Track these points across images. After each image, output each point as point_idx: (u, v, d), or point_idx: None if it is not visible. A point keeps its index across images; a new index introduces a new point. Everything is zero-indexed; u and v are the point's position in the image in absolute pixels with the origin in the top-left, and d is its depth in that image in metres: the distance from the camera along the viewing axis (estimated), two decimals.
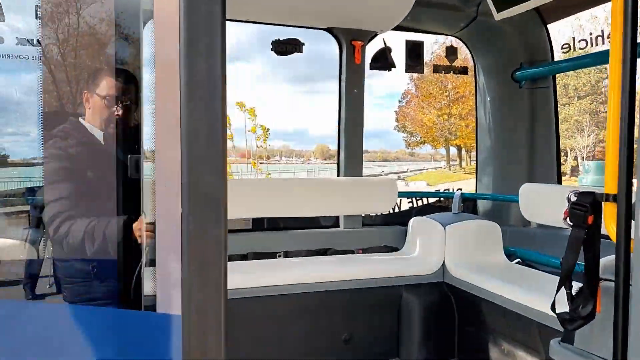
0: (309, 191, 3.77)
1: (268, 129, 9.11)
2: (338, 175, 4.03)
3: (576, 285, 2.00)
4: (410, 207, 4.34)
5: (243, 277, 3.09)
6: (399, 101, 38.56)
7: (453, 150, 39.53)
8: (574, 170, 28.18)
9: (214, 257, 1.02)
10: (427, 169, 40.78)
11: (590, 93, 30.50)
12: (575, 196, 1.90)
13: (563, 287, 1.95)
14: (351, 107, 3.92)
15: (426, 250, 3.61)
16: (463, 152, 38.51)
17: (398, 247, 3.91)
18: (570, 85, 30.07)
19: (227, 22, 1.06)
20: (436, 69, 4.26)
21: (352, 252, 3.84)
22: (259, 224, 3.82)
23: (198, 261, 1.01)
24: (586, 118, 29.84)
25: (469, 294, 3.21)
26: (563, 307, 2.03)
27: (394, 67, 3.98)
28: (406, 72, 4.05)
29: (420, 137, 37.79)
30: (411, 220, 3.84)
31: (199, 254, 1.01)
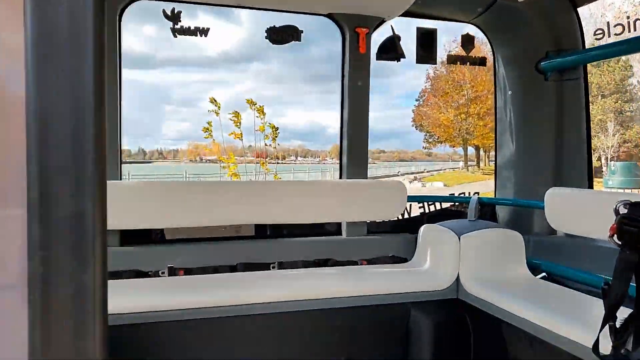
0: (307, 195, 3.39)
1: (277, 128, 8.71)
2: (340, 177, 3.65)
3: (621, 314, 1.59)
4: (421, 213, 3.93)
5: (231, 291, 2.75)
6: (417, 100, 38.10)
7: (471, 150, 38.94)
8: (597, 171, 27.32)
9: (81, 320, 0.65)
10: (445, 169, 40.23)
11: (614, 91, 29.58)
12: (625, 208, 1.48)
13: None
14: (355, 101, 3.53)
15: (438, 262, 3.22)
16: (481, 152, 37.91)
17: (407, 258, 3.52)
18: (593, 83, 29.20)
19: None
20: (451, 59, 3.85)
21: (356, 263, 3.46)
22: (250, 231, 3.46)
23: (52, 327, 0.64)
24: (610, 117, 28.93)
25: (486, 313, 2.82)
26: (607, 344, 1.63)
27: (404, 57, 3.59)
28: (417, 62, 3.66)
29: (438, 137, 37.28)
30: (422, 228, 3.45)
31: (54, 315, 0.64)
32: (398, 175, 33.54)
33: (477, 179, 31.24)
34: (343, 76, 3.54)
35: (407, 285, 3.02)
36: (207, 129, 7.63)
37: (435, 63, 3.74)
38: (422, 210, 3.95)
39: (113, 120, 3.09)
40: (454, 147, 38.51)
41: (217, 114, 7.55)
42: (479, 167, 37.54)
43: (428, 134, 37.87)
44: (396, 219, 3.68)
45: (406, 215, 3.82)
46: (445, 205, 4.04)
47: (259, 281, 2.93)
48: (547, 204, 3.12)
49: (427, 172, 37.99)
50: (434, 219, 3.71)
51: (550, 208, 3.11)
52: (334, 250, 3.45)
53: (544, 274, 3.21)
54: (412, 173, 35.90)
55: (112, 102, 3.08)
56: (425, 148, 40.99)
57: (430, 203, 3.95)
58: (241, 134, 9.26)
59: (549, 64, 3.54)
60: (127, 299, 2.58)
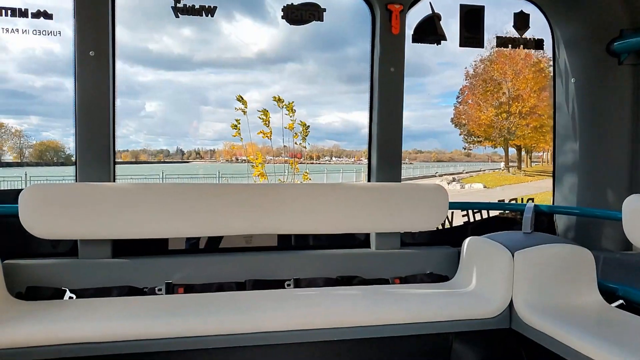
0: (330, 200, 2.90)
1: (308, 126, 8.22)
2: (369, 180, 3.15)
3: None
4: (465, 222, 3.40)
5: (237, 316, 2.32)
6: (457, 96, 37.25)
7: (512, 151, 37.79)
8: None
9: None
10: (484, 170, 39.16)
11: None
12: None
13: None
14: (386, 90, 3.04)
15: (486, 283, 2.69)
16: (523, 152, 36.71)
17: (448, 276, 3.01)
18: None
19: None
20: (501, 42, 3.30)
21: (387, 282, 2.97)
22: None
23: None
24: None
25: (547, 350, 2.32)
26: None
27: (444, 39, 3.10)
28: (461, 46, 3.15)
29: (477, 137, 36.36)
30: (466, 241, 2.92)
31: None
32: (435, 176, 32.80)
33: (519, 180, 30.26)
34: (372, 62, 3.06)
35: (449, 310, 2.52)
36: (235, 126, 7.33)
37: (482, 46, 3.21)
38: (466, 218, 3.41)
39: (104, 117, 2.71)
40: (495, 147, 37.41)
41: (245, 112, 7.23)
42: (519, 168, 36.41)
43: (467, 134, 36.95)
44: (435, 229, 3.15)
45: (447, 225, 3.30)
46: (493, 213, 3.48)
47: (271, 303, 2.48)
48: (626, 215, 2.53)
49: (466, 173, 37.05)
50: (480, 229, 3.17)
51: (630, 220, 2.52)
52: (361, 266, 2.97)
53: (621, 301, 2.64)
54: (451, 174, 35.03)
55: (104, 98, 2.70)
56: (465, 148, 39.97)
57: (475, 211, 3.40)
58: (270, 132, 8.85)
59: (624, 44, 3.04)
60: (115, 323, 2.18)
